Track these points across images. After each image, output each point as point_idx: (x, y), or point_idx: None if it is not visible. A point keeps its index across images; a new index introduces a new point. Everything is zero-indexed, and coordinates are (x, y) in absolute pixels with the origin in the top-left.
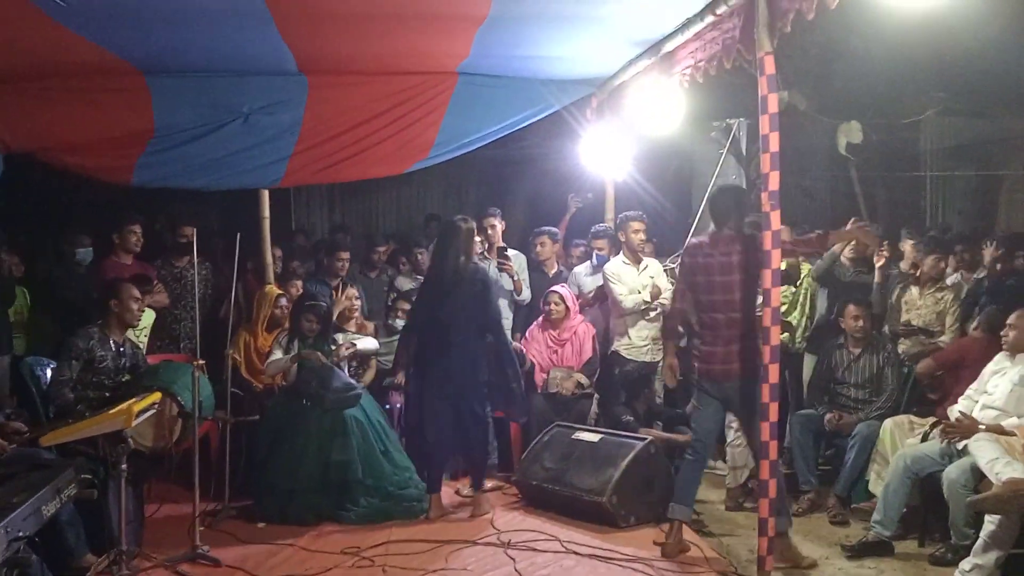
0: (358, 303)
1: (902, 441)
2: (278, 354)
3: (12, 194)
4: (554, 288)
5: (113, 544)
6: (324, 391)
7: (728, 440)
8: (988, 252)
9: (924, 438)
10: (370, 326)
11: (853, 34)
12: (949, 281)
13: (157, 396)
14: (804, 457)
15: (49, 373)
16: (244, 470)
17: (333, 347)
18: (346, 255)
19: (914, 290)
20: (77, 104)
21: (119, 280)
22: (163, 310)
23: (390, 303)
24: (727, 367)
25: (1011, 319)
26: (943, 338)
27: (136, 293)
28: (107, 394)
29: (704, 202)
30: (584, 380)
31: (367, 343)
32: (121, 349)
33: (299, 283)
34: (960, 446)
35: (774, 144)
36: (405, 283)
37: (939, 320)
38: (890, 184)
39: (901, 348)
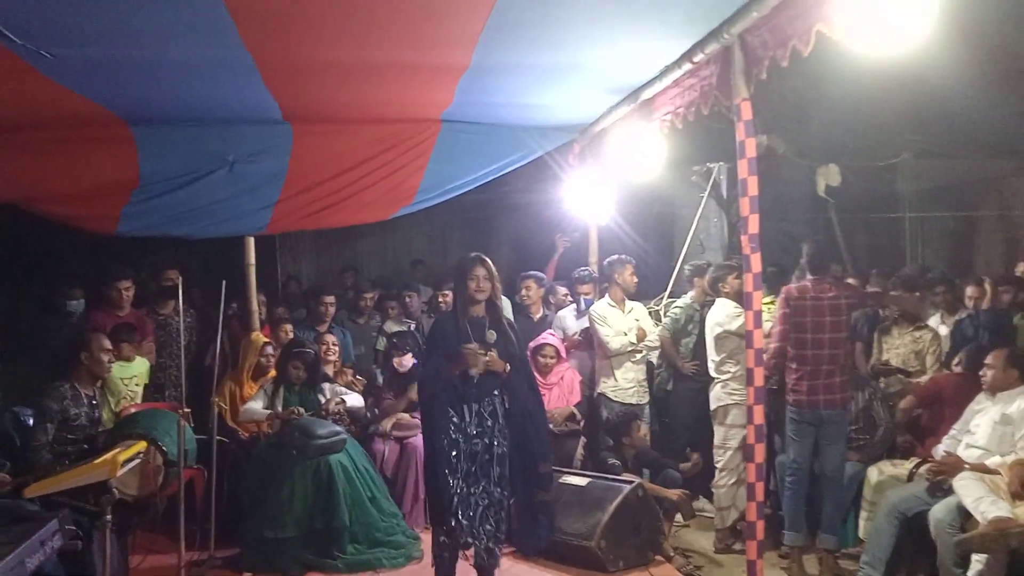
0: (336, 348)
1: (887, 483)
2: (258, 403)
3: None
4: (548, 341)
5: None
6: (308, 439)
7: (714, 480)
8: (969, 291)
9: (910, 477)
10: (349, 372)
11: (828, 79)
12: (931, 322)
13: (142, 445)
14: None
15: (32, 422)
16: (229, 519)
17: (321, 397)
18: (331, 300)
19: (893, 330)
20: (62, 154)
21: (89, 332)
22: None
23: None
24: (829, 397)
25: (988, 359)
26: (923, 378)
27: (106, 344)
28: (85, 446)
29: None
30: (576, 412)
31: (355, 399)
32: (94, 402)
33: (288, 327)
34: (946, 485)
35: (753, 188)
36: (393, 327)
37: (917, 359)
38: (869, 226)
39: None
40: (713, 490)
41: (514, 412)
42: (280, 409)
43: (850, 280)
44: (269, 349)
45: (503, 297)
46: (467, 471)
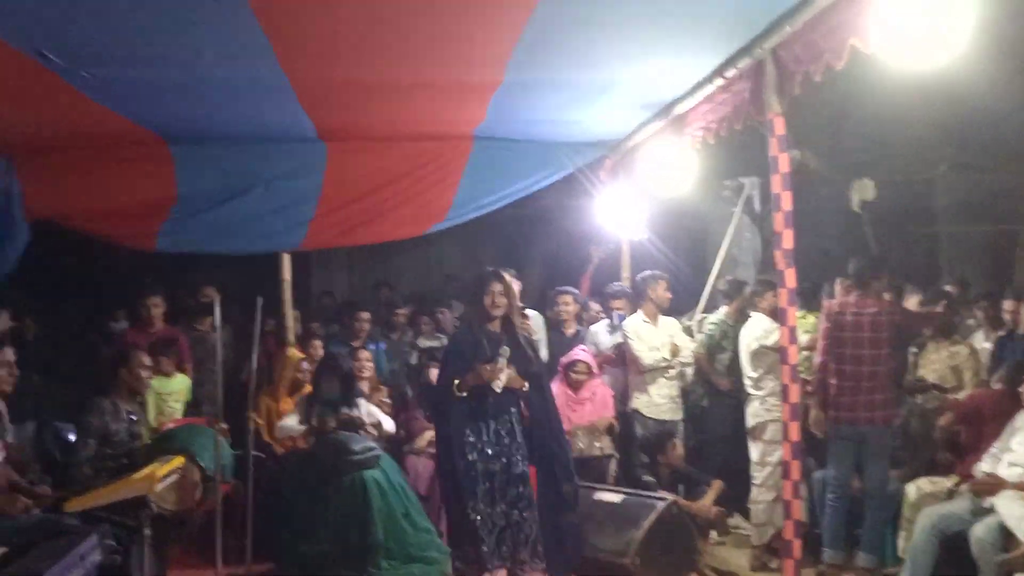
0: (369, 365)
1: (926, 501)
2: (293, 419)
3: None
4: (580, 357)
5: None
6: (343, 454)
7: (751, 496)
8: (1007, 306)
9: (949, 495)
10: (384, 389)
11: (862, 93)
12: (976, 338)
13: (180, 461)
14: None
15: (73, 438)
16: (266, 534)
17: (357, 412)
18: (367, 316)
19: (929, 345)
20: (101, 172)
21: (129, 348)
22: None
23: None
24: (869, 414)
25: None
26: (961, 394)
27: (146, 361)
28: (125, 461)
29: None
30: (607, 446)
31: (389, 424)
32: (133, 418)
33: (317, 343)
34: (987, 504)
35: (787, 203)
36: (426, 342)
37: (954, 375)
38: (905, 241)
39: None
40: (750, 507)
41: (534, 431)
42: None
43: (886, 295)
44: (305, 365)
45: (534, 312)
46: (485, 492)
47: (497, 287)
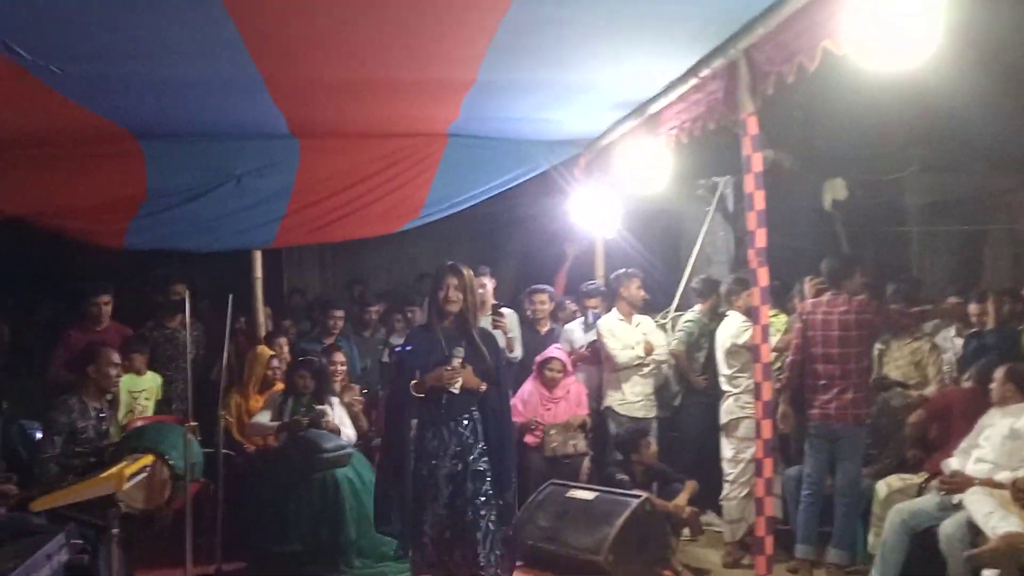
0: (343, 368)
1: (896, 498)
2: (265, 416)
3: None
4: (554, 355)
5: None
6: (314, 452)
7: (723, 494)
8: (972, 308)
9: (919, 492)
10: (356, 388)
11: (834, 94)
12: (943, 336)
13: (149, 459)
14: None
15: (39, 435)
16: (236, 533)
17: (329, 409)
18: (340, 314)
19: (892, 343)
20: (71, 169)
21: (97, 346)
22: (155, 372)
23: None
24: (842, 413)
25: (996, 374)
26: (927, 389)
27: (114, 358)
28: (92, 459)
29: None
30: (581, 444)
31: (351, 432)
32: (102, 415)
33: (283, 340)
34: (955, 500)
35: (760, 202)
36: (398, 340)
37: (918, 371)
38: (876, 240)
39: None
40: (723, 504)
41: (489, 434)
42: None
43: (859, 294)
44: (275, 362)
45: (509, 310)
46: (447, 496)
47: (452, 281)
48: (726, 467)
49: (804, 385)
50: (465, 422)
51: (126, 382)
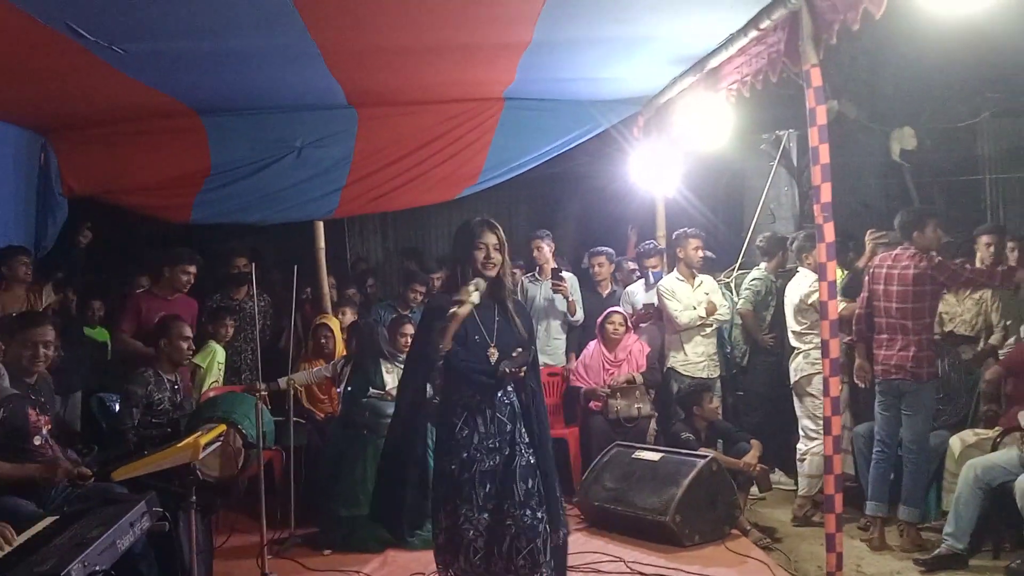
0: (410, 339)
1: (970, 453)
2: (307, 370)
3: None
4: (615, 309)
5: (186, 575)
6: (378, 418)
7: (804, 449)
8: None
9: (994, 447)
10: None
11: (901, 40)
12: None
13: (222, 428)
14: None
15: (118, 408)
16: (308, 498)
17: (389, 377)
18: (422, 288)
19: (950, 298)
20: (137, 147)
21: (170, 318)
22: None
23: None
24: (904, 369)
25: None
26: (993, 338)
27: (187, 332)
28: (169, 430)
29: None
30: (646, 407)
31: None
32: (176, 387)
33: (347, 309)
34: None
35: (824, 156)
36: None
37: (984, 321)
38: (947, 190)
39: None
40: (806, 458)
41: (531, 422)
42: (343, 385)
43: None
44: (328, 332)
45: (569, 273)
46: (484, 496)
47: (491, 239)
48: (808, 423)
49: (872, 339)
50: (506, 406)
51: (218, 352)
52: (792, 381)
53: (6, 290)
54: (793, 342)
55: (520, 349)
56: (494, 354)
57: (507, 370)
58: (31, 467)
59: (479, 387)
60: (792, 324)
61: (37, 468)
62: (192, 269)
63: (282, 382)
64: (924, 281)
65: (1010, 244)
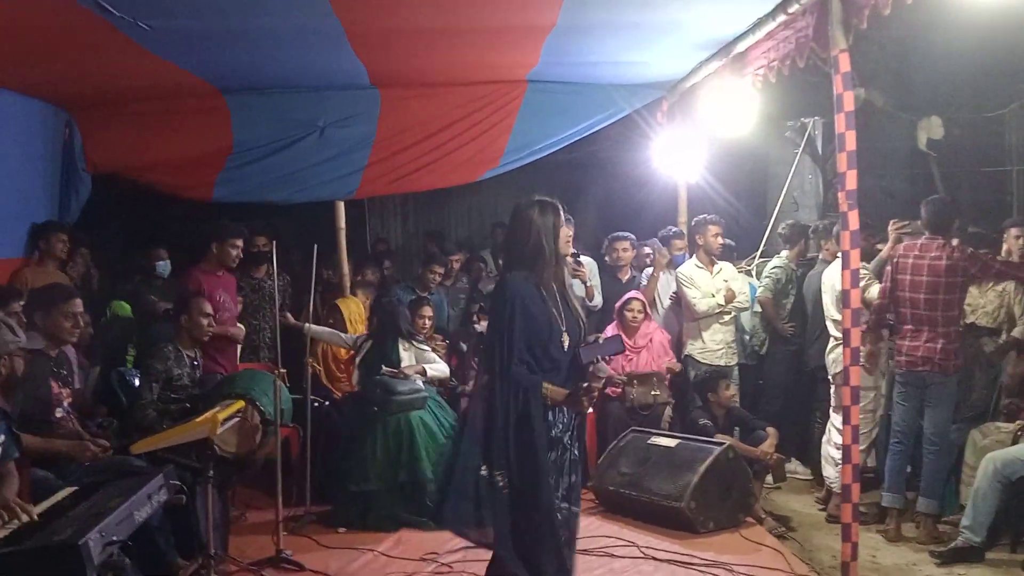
0: (430, 322)
1: (991, 447)
2: (347, 339)
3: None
4: (634, 295)
5: (202, 549)
6: (389, 396)
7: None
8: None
9: (1015, 440)
10: (438, 339)
11: (931, 27)
12: None
13: (240, 404)
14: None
15: (137, 382)
16: (324, 476)
17: (406, 354)
18: (441, 270)
19: (973, 290)
20: (160, 124)
21: (190, 295)
22: (243, 321)
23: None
24: (928, 360)
25: None
26: (1016, 331)
27: (207, 308)
28: (187, 405)
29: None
30: (662, 395)
31: (438, 369)
32: (195, 363)
33: (368, 291)
34: None
35: (851, 143)
36: (488, 286)
37: (1007, 314)
38: (974, 180)
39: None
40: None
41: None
42: (360, 360)
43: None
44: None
45: (588, 258)
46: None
47: (568, 227)
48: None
49: (899, 330)
50: None
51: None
52: (832, 372)
53: (39, 264)
54: (833, 331)
55: (597, 337)
56: (566, 340)
57: (597, 359)
58: (60, 443)
59: (556, 376)
60: (832, 313)
61: (67, 445)
62: (240, 243)
63: (305, 327)
64: (956, 272)
65: (1015, 232)
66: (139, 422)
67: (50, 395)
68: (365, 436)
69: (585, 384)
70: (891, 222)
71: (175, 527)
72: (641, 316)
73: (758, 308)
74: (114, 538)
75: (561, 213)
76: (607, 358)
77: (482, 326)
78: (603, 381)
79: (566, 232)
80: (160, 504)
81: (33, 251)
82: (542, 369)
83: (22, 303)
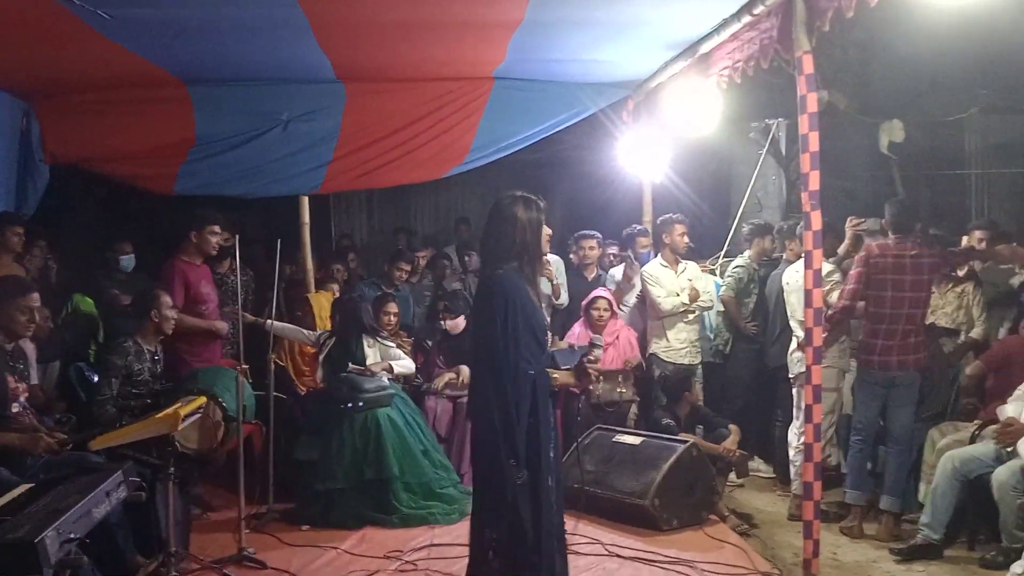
0: (395, 319)
1: (949, 446)
2: (309, 336)
3: (61, 204)
4: (600, 294)
5: (162, 546)
6: (356, 393)
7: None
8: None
9: (972, 440)
10: (403, 335)
11: (894, 31)
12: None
13: (202, 400)
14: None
15: (96, 377)
16: (287, 473)
17: (371, 352)
18: (408, 267)
19: (932, 291)
20: (121, 115)
21: (155, 290)
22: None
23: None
24: (903, 358)
25: None
26: (974, 331)
27: (170, 301)
28: (148, 401)
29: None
30: (628, 392)
31: (404, 366)
32: (156, 357)
33: (334, 286)
34: (1010, 448)
35: (814, 144)
36: (454, 285)
37: (966, 314)
38: (934, 184)
39: None
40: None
41: None
42: (324, 357)
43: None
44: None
45: (555, 256)
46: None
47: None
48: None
49: (863, 331)
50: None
51: None
52: (794, 373)
53: None
54: (798, 331)
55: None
56: (550, 337)
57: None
58: (13, 436)
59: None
60: (796, 312)
61: (19, 438)
62: (218, 229)
63: (267, 324)
64: (935, 270)
65: (978, 235)
66: (98, 418)
67: (6, 389)
68: (331, 434)
69: (588, 357)
70: (848, 219)
71: (135, 524)
72: (607, 315)
73: (722, 307)
74: (71, 535)
75: (543, 210)
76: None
77: (449, 324)
78: (600, 352)
79: (546, 230)
80: (119, 501)
81: None
82: (537, 364)
83: None
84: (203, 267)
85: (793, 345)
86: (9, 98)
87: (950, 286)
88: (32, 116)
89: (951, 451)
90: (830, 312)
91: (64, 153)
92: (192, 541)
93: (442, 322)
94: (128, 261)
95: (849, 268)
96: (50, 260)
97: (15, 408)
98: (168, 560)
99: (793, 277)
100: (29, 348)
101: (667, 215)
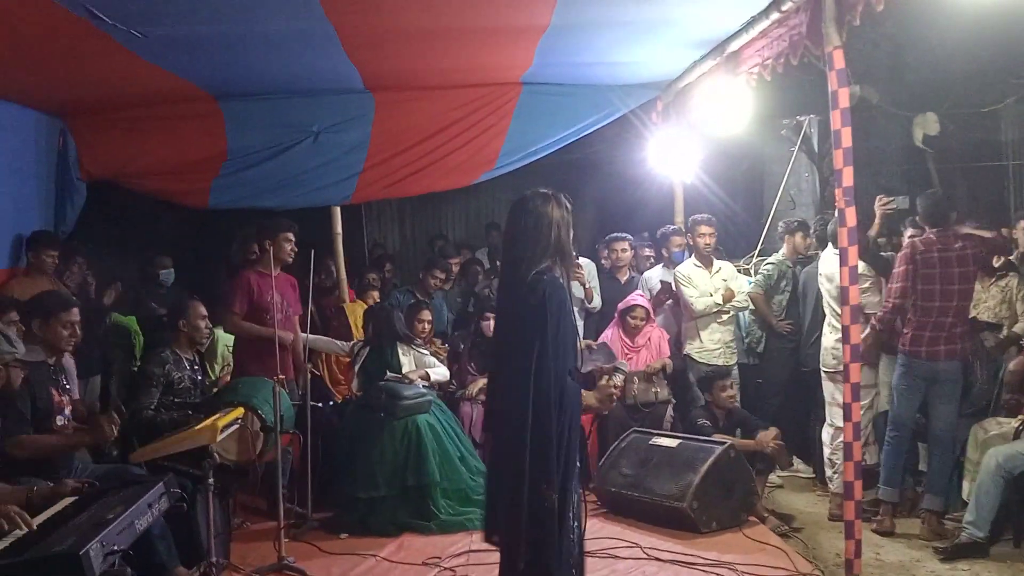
0: (429, 326)
1: (992, 442)
2: (343, 346)
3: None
4: (638, 302)
5: (203, 556)
6: (394, 400)
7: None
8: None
9: (1016, 435)
10: (438, 342)
11: (925, 23)
12: None
13: (240, 411)
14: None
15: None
16: (325, 482)
17: (406, 359)
18: (442, 274)
19: (976, 284)
20: (154, 131)
21: (186, 299)
22: None
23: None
24: (950, 347)
25: None
26: (1017, 326)
27: (203, 312)
28: (189, 411)
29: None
30: (663, 392)
31: (439, 373)
32: (195, 366)
33: (375, 294)
34: None
35: (847, 140)
36: (484, 288)
37: (1009, 308)
38: (970, 176)
39: None
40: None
41: None
42: (359, 368)
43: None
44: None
45: (586, 260)
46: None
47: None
48: (834, 414)
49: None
50: None
51: (222, 337)
52: (832, 370)
53: (26, 275)
54: (832, 319)
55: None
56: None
57: (599, 366)
58: (82, 434)
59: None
60: (834, 307)
61: (88, 431)
62: (292, 236)
63: (303, 336)
64: (979, 260)
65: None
66: (140, 430)
67: (51, 403)
68: (372, 442)
69: (611, 380)
70: (877, 198)
71: (176, 535)
72: (643, 323)
73: (752, 305)
74: (115, 547)
75: (569, 211)
76: (603, 366)
77: (485, 326)
78: (622, 377)
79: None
80: (161, 512)
81: (22, 262)
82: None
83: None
84: (281, 276)
85: (828, 335)
86: (46, 118)
87: (993, 280)
88: (68, 134)
89: (995, 447)
90: (880, 313)
91: (99, 171)
92: (233, 551)
93: (481, 323)
94: (168, 275)
95: (882, 248)
96: (88, 276)
97: (60, 421)
98: (209, 570)
99: (824, 267)
100: (70, 363)
101: (694, 216)
